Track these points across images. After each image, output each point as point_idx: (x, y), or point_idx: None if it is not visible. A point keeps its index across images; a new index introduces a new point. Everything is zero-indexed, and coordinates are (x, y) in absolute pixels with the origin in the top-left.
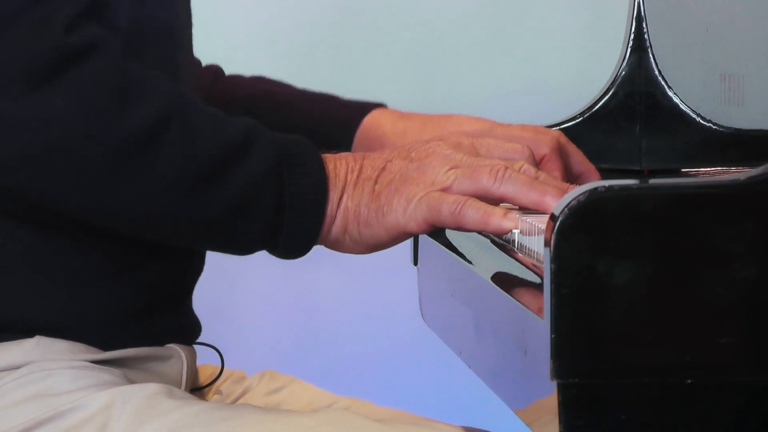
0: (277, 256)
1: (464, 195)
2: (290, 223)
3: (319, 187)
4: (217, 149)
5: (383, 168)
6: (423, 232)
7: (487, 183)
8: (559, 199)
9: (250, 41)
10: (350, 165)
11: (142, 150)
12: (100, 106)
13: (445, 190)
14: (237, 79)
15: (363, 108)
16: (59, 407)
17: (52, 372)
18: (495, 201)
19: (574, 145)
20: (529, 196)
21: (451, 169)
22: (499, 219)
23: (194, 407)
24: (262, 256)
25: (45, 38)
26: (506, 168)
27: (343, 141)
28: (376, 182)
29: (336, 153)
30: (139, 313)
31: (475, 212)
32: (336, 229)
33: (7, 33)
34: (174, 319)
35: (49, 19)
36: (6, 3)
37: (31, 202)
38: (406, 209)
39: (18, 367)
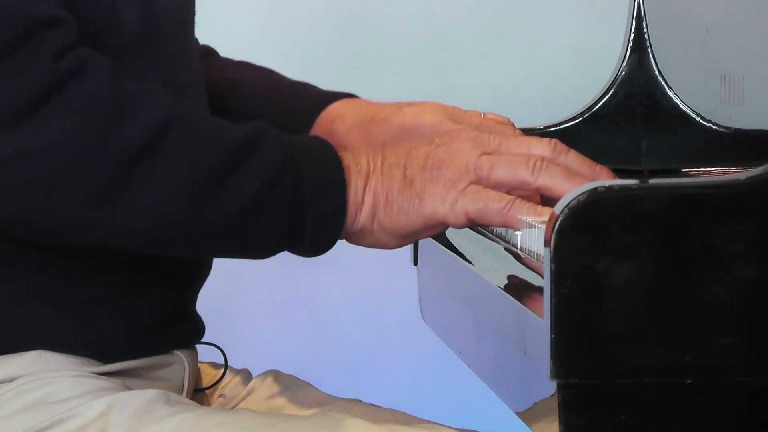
0: (301, 253)
1: (500, 184)
2: (313, 211)
3: (337, 172)
4: (224, 149)
5: (408, 155)
6: (461, 227)
7: (525, 174)
8: None
9: (250, 41)
10: (370, 155)
11: (146, 159)
12: (98, 122)
13: (480, 179)
14: (218, 64)
15: (322, 102)
16: (57, 415)
17: (50, 380)
18: (530, 192)
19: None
20: (566, 188)
21: (483, 154)
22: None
23: (192, 413)
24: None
25: (34, 68)
26: (543, 159)
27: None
28: (406, 168)
29: None
30: (145, 331)
31: (528, 212)
32: (364, 216)
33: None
34: (180, 327)
35: (37, 51)
36: None
37: (44, 231)
38: (445, 198)
39: (17, 378)
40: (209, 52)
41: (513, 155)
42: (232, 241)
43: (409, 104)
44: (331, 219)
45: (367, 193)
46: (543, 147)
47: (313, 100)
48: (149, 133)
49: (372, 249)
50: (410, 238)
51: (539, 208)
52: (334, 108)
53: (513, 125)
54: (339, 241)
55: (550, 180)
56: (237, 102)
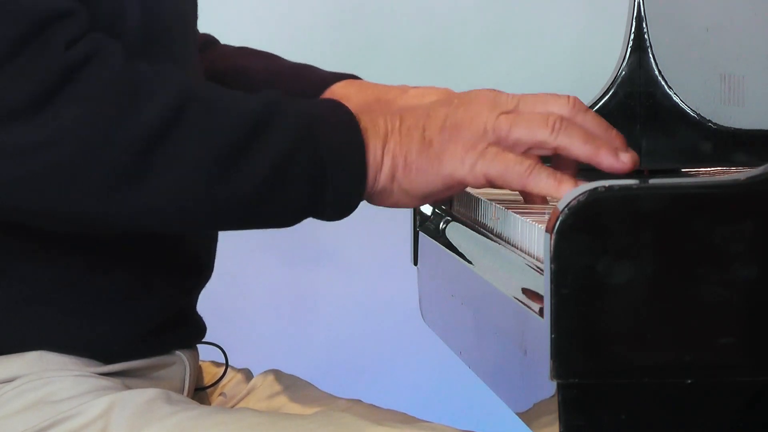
0: (324, 218)
1: (519, 144)
2: (333, 176)
3: (355, 135)
4: (240, 123)
5: (427, 116)
6: (479, 187)
7: (543, 134)
8: (613, 157)
9: (250, 41)
10: (387, 116)
11: (162, 142)
12: (112, 107)
13: (500, 139)
14: (219, 52)
15: (326, 82)
16: (59, 414)
17: (51, 380)
18: (548, 151)
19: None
20: (583, 149)
21: (501, 114)
22: (571, 188)
23: (192, 411)
24: (262, 256)
25: (46, 60)
26: (562, 119)
27: None
28: (425, 129)
29: None
30: (147, 333)
31: (548, 178)
32: (384, 177)
33: (13, 63)
34: (181, 329)
35: (49, 42)
36: (8, 35)
37: (66, 220)
38: (464, 159)
39: (18, 378)
40: (210, 41)
41: (532, 114)
42: (256, 213)
43: (414, 87)
44: (353, 182)
45: (386, 155)
46: (561, 104)
47: (318, 80)
48: (164, 115)
49: (372, 248)
50: (430, 197)
51: (559, 174)
52: (339, 88)
53: None
54: (339, 240)
55: (568, 140)
56: (243, 88)
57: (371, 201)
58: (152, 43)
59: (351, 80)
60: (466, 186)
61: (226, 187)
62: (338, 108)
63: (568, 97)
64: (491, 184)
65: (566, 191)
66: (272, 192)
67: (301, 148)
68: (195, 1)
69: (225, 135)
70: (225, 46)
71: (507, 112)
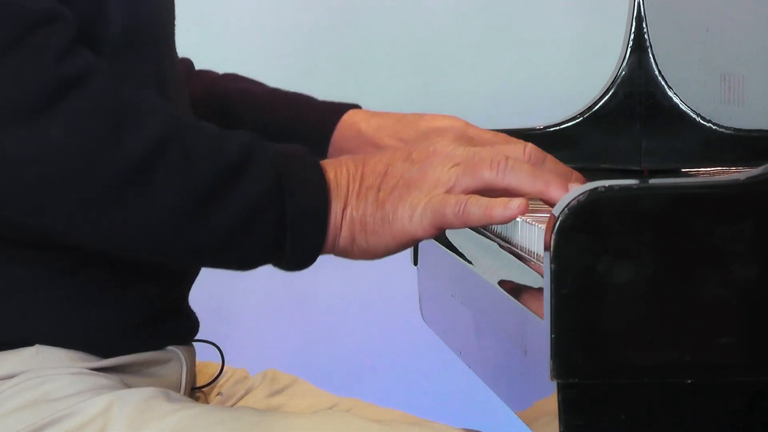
0: (282, 269)
1: (468, 192)
2: (293, 236)
3: (320, 200)
4: (216, 169)
5: (385, 173)
6: (431, 237)
7: (489, 176)
8: (563, 189)
9: (249, 42)
10: (351, 173)
11: (141, 176)
12: (96, 135)
13: (449, 189)
14: (211, 75)
15: (339, 109)
16: (57, 413)
17: (49, 378)
18: (500, 193)
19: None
20: (533, 186)
21: (453, 166)
22: (502, 210)
23: (192, 410)
24: None
25: (38, 69)
26: (507, 158)
27: (321, 141)
28: (379, 190)
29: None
30: (140, 324)
31: (477, 208)
32: (343, 240)
33: (0, 65)
34: (174, 322)
35: (41, 49)
36: None
37: (34, 234)
38: (412, 216)
39: (16, 375)
40: (191, 66)
41: (477, 160)
42: (216, 257)
43: (427, 114)
44: (311, 244)
45: (344, 220)
46: (517, 152)
47: (329, 108)
48: (146, 149)
49: None
50: (388, 254)
51: (491, 201)
52: (352, 114)
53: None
54: None
55: (515, 178)
56: (252, 111)
57: (336, 255)
58: (135, 44)
59: (358, 109)
60: (419, 240)
61: (192, 230)
62: (312, 166)
63: (525, 145)
64: (441, 230)
65: (498, 214)
66: (234, 241)
67: (268, 206)
68: (173, 2)
69: (199, 180)
70: (208, 70)
71: (458, 163)
